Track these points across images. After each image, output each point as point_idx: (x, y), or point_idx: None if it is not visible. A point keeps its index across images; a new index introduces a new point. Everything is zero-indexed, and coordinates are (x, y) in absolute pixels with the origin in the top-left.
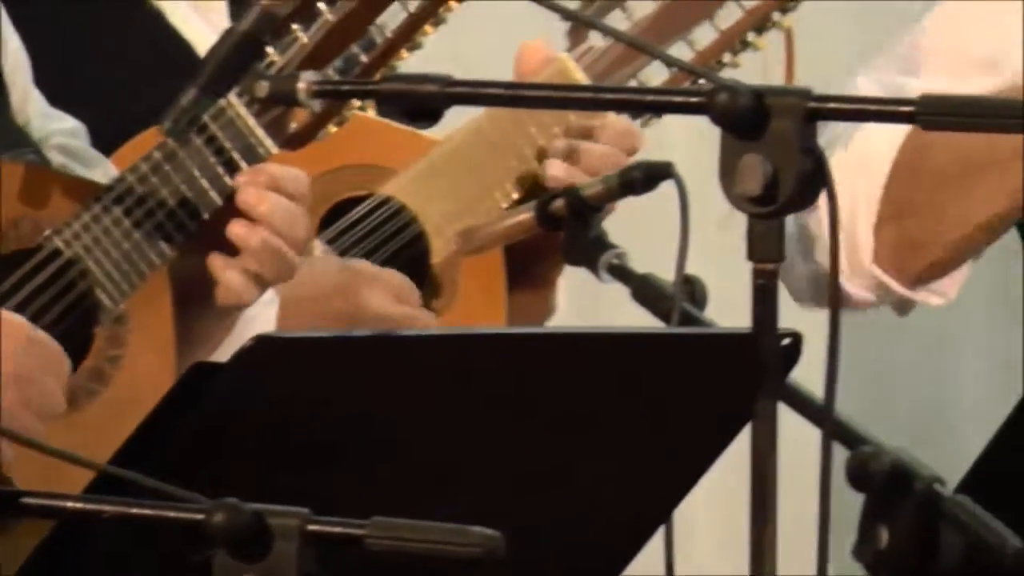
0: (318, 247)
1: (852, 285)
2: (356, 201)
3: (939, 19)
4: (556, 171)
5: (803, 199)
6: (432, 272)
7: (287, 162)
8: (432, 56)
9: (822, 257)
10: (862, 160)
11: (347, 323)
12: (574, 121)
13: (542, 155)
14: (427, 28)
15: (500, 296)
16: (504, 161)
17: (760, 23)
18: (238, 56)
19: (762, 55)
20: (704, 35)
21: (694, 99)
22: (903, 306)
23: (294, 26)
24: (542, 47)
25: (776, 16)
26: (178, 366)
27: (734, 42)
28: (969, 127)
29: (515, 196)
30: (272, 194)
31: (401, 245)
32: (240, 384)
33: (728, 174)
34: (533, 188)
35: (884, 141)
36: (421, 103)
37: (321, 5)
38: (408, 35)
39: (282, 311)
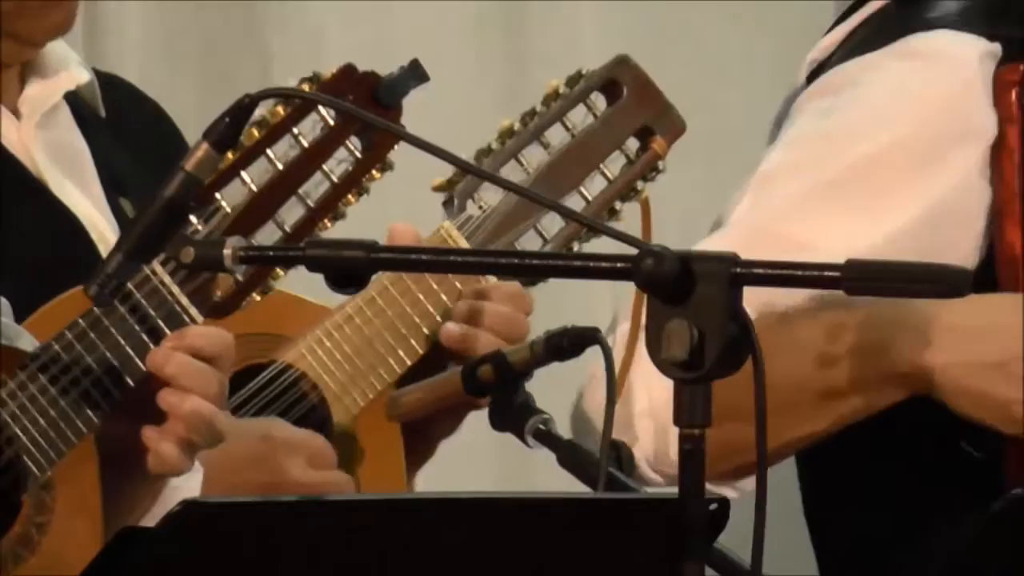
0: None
1: (652, 471)
2: (256, 369)
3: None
4: (452, 330)
5: (729, 364)
6: (333, 437)
7: None
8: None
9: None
10: None
11: (266, 491)
12: (463, 286)
13: (444, 318)
14: (350, 197)
15: (399, 461)
16: (395, 327)
17: (625, 192)
18: (163, 222)
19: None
20: (574, 204)
21: (620, 265)
22: None
23: (217, 196)
24: (410, 228)
25: (640, 185)
26: (106, 532)
27: (602, 211)
28: (893, 292)
29: (408, 362)
30: (194, 362)
31: (302, 413)
32: (167, 549)
33: (654, 339)
34: (426, 353)
35: None
36: (347, 269)
37: (243, 175)
38: (332, 204)
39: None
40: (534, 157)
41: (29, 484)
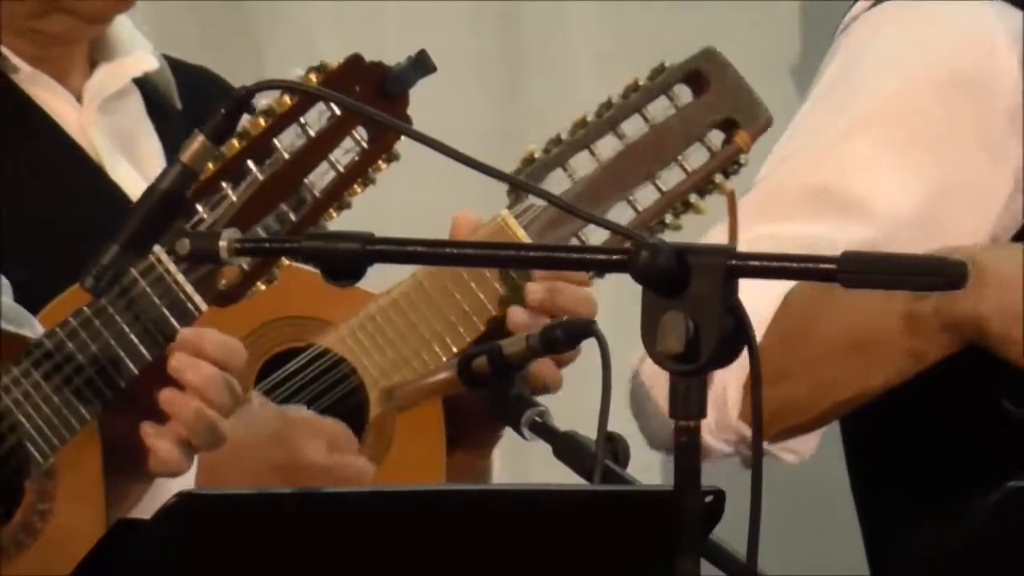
0: (255, 397)
1: (715, 438)
2: (293, 352)
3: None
4: (517, 317)
5: (725, 356)
6: (370, 425)
7: (221, 316)
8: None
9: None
10: None
11: (282, 472)
12: (513, 273)
13: (504, 303)
14: (356, 187)
15: (438, 450)
16: (442, 314)
17: (702, 185)
18: (160, 213)
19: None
20: (646, 196)
21: (616, 257)
22: None
23: (223, 184)
24: (473, 217)
25: (719, 178)
26: (108, 520)
27: (676, 203)
28: (888, 284)
29: (455, 349)
30: (202, 363)
31: (339, 398)
32: (163, 541)
33: (650, 332)
34: (474, 342)
35: (761, 304)
36: (341, 261)
37: (250, 163)
38: (337, 194)
39: (216, 460)
40: (607, 148)
41: (32, 471)
